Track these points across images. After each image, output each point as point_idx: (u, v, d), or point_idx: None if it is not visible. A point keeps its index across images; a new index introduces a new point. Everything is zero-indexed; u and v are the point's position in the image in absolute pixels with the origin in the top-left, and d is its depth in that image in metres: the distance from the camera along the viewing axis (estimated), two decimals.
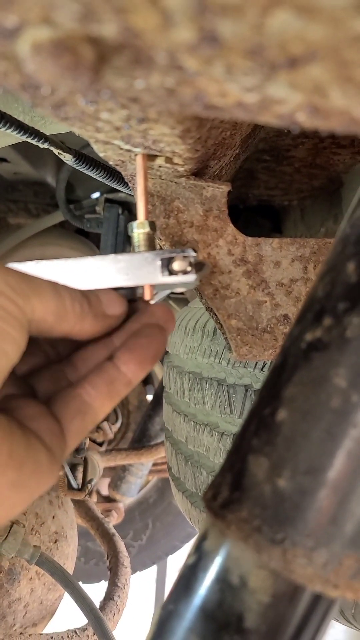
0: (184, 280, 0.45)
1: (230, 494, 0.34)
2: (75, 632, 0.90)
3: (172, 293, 1.98)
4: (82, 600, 0.86)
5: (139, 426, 1.90)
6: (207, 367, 0.86)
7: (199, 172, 0.55)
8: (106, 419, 2.17)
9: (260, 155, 1.06)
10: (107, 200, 1.45)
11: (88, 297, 0.39)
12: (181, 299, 1.97)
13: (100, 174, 0.67)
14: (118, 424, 2.22)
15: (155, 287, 0.47)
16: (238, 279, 0.59)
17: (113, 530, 1.31)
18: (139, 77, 0.22)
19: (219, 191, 0.56)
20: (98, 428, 1.99)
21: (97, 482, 1.43)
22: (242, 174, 1.21)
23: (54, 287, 0.36)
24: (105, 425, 2.00)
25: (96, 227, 1.48)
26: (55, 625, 1.06)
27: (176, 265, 0.44)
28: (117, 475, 1.92)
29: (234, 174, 0.97)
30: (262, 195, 1.39)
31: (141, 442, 1.87)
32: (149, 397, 2.36)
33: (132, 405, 2.46)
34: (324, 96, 0.21)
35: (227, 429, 0.82)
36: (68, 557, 1.03)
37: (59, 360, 0.41)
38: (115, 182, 0.69)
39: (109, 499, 1.93)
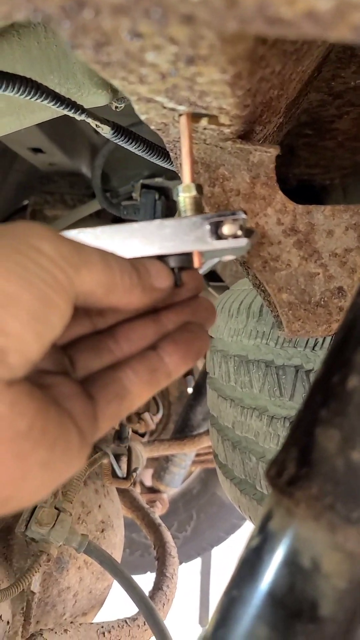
0: (234, 245, 0.42)
1: (298, 470, 0.31)
2: (126, 621, 0.89)
3: (212, 280, 1.95)
4: (132, 589, 0.85)
5: (180, 416, 1.88)
6: (254, 349, 0.83)
7: (244, 136, 0.51)
8: (147, 409, 2.16)
9: (302, 129, 1.02)
10: (144, 187, 1.43)
11: (137, 268, 0.37)
12: (221, 287, 1.94)
13: (138, 148, 0.64)
14: (159, 415, 2.20)
15: (203, 255, 0.44)
16: (288, 249, 0.56)
17: (159, 521, 1.29)
18: None
19: (266, 155, 0.53)
20: (139, 419, 1.98)
21: (140, 472, 1.42)
22: (282, 150, 1.17)
23: (105, 258, 0.34)
24: (147, 416, 1.99)
25: (133, 214, 1.46)
26: (104, 616, 1.05)
27: (226, 229, 0.41)
28: (160, 466, 1.91)
29: None
30: (303, 175, 1.34)
31: (183, 432, 1.85)
32: (190, 390, 2.34)
33: (173, 397, 2.44)
34: None
35: (276, 412, 0.78)
36: (115, 546, 1.02)
37: (102, 331, 0.39)
38: (155, 156, 0.67)
39: (152, 490, 1.92)
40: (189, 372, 2.54)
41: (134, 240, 0.41)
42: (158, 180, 1.43)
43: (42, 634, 0.75)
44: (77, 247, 0.32)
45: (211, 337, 1.06)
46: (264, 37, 0.32)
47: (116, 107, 0.67)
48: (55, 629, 0.77)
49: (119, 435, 1.19)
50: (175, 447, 1.77)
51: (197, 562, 2.68)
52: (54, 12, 0.23)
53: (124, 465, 1.26)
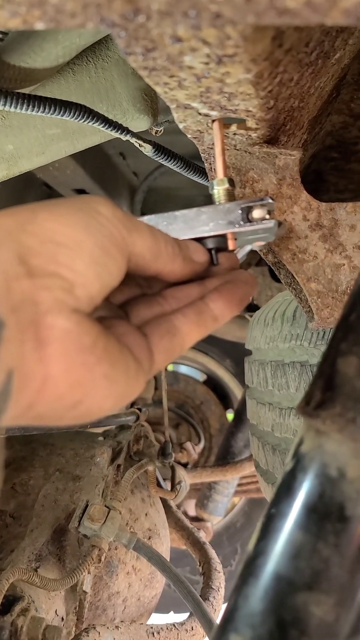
0: (263, 226, 0.48)
1: (323, 395, 0.36)
2: (174, 625, 0.91)
3: (249, 310, 2.00)
4: (181, 584, 0.87)
5: (222, 443, 1.91)
6: (289, 352, 0.88)
7: (270, 142, 0.58)
8: (189, 439, 2.19)
9: (328, 153, 1.09)
10: None
11: (178, 242, 0.44)
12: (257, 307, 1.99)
13: (177, 165, 0.72)
14: (201, 445, 2.23)
15: (237, 240, 0.50)
16: (315, 243, 0.62)
17: (204, 539, 1.31)
18: None
19: (291, 159, 0.60)
20: (182, 448, 2.01)
21: (185, 494, 1.44)
22: (311, 177, 1.23)
23: (151, 228, 0.41)
24: (189, 445, 2.02)
25: None
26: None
27: (256, 213, 0.48)
28: (204, 494, 1.92)
29: (303, 170, 1.01)
30: (332, 200, 1.40)
31: (225, 459, 1.87)
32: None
33: (214, 429, 2.46)
34: None
35: None
36: (162, 554, 1.05)
37: (152, 294, 0.46)
38: (191, 173, 0.75)
39: (196, 519, 1.93)
40: (229, 406, 2.56)
41: (175, 225, 0.48)
42: None
43: (94, 627, 0.78)
44: (129, 215, 0.39)
45: (249, 350, 1.11)
46: (280, 40, 0.39)
47: (156, 132, 0.75)
48: (107, 625, 0.80)
49: (162, 452, 1.24)
50: (217, 474, 1.79)
51: None
52: (116, 19, 0.30)
53: (169, 483, 1.30)
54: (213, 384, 2.59)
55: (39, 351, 0.32)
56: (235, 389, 2.43)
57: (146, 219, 0.49)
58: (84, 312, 0.35)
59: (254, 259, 1.93)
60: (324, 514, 0.34)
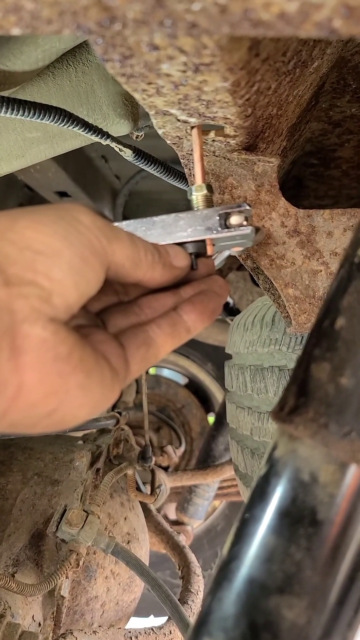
0: (241, 232, 0.49)
1: (296, 401, 0.36)
2: (152, 629, 0.91)
3: (231, 314, 2.01)
4: (159, 588, 0.87)
5: (203, 447, 1.91)
6: (268, 356, 0.89)
7: (249, 149, 0.59)
8: (170, 442, 2.19)
9: (308, 159, 1.10)
10: None
11: (158, 249, 0.44)
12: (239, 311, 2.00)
13: (157, 170, 0.72)
14: (182, 449, 2.23)
15: (215, 246, 0.51)
16: (292, 249, 0.63)
17: (183, 543, 1.31)
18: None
19: (269, 166, 0.60)
20: (162, 452, 2.01)
21: (165, 497, 1.44)
22: (291, 182, 1.25)
23: (131, 236, 0.41)
24: (170, 449, 2.02)
25: None
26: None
27: (233, 220, 0.48)
28: (184, 498, 1.92)
29: (284, 176, 1.02)
30: (312, 206, 1.42)
31: (206, 462, 1.87)
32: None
33: (195, 432, 2.47)
34: None
35: None
36: (141, 558, 1.05)
37: (128, 302, 0.46)
38: (172, 178, 0.75)
39: (176, 523, 1.93)
40: (210, 409, 2.57)
41: (154, 231, 0.49)
42: None
43: (72, 632, 0.78)
44: (109, 224, 0.39)
45: (229, 354, 1.11)
46: (256, 50, 0.39)
47: (137, 137, 0.76)
48: (85, 630, 0.80)
49: (142, 455, 1.24)
50: (198, 477, 1.79)
51: None
52: (92, 26, 0.30)
53: (148, 486, 1.30)
54: (194, 387, 2.60)
55: (13, 360, 0.32)
56: (216, 393, 2.44)
57: (125, 224, 0.49)
58: (61, 321, 0.35)
59: (235, 264, 1.94)
60: (297, 519, 0.34)
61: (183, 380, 2.71)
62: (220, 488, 2.00)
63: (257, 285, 2.06)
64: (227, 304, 1.99)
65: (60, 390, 0.33)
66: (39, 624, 0.86)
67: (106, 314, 0.44)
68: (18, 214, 0.35)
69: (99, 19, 0.30)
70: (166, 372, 2.82)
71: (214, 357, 2.41)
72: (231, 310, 2.03)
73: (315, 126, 0.93)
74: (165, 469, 2.04)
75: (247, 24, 0.29)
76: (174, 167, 0.74)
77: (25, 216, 0.35)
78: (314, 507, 0.34)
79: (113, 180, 1.94)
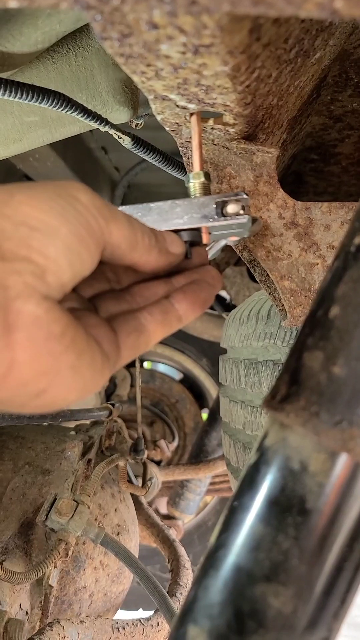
0: (237, 221, 0.48)
1: (288, 389, 0.36)
2: (140, 620, 0.91)
3: (227, 310, 2.01)
4: (147, 580, 0.87)
5: (195, 441, 1.91)
6: (262, 350, 0.88)
7: (248, 139, 0.58)
8: (163, 437, 2.18)
9: (308, 154, 1.09)
10: None
11: (155, 233, 0.43)
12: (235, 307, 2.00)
13: (156, 158, 0.72)
14: (175, 443, 2.23)
15: (211, 235, 0.50)
16: (289, 241, 0.62)
17: (173, 537, 1.31)
18: None
19: (268, 156, 0.60)
20: (155, 446, 2.01)
21: (156, 491, 1.44)
22: (291, 177, 1.24)
23: (129, 218, 0.41)
24: (163, 443, 2.02)
25: None
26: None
27: (230, 208, 0.48)
28: (175, 492, 1.92)
29: (283, 171, 1.01)
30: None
31: (198, 457, 1.87)
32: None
33: (189, 427, 2.47)
34: None
35: None
36: (131, 550, 1.04)
37: (121, 289, 0.46)
38: (170, 168, 0.74)
39: (167, 517, 1.93)
40: (204, 405, 2.57)
41: (150, 217, 0.48)
42: None
43: (59, 621, 0.78)
44: (107, 204, 0.39)
45: (224, 348, 1.11)
46: (257, 34, 0.39)
47: (136, 125, 0.75)
48: (72, 620, 0.80)
49: (134, 448, 1.23)
50: (190, 472, 1.79)
51: None
52: (90, 1, 0.30)
53: (140, 479, 1.30)
54: (189, 382, 2.60)
55: (5, 337, 0.32)
56: (211, 388, 2.44)
57: (121, 209, 0.48)
58: (54, 300, 0.34)
59: (233, 259, 1.94)
60: (285, 507, 0.34)
61: (178, 376, 2.70)
62: (212, 483, 2.00)
63: (254, 280, 2.05)
64: (223, 299, 1.99)
65: (52, 370, 0.33)
66: (26, 613, 0.85)
67: (98, 300, 0.44)
68: (15, 189, 0.35)
69: None
70: (161, 367, 2.82)
71: (210, 353, 2.41)
72: (227, 306, 2.03)
73: (316, 120, 0.92)
74: (158, 463, 2.04)
75: (248, 2, 0.28)
76: (173, 157, 0.74)
77: (22, 191, 0.35)
78: (303, 496, 0.34)
79: (112, 171, 1.93)
